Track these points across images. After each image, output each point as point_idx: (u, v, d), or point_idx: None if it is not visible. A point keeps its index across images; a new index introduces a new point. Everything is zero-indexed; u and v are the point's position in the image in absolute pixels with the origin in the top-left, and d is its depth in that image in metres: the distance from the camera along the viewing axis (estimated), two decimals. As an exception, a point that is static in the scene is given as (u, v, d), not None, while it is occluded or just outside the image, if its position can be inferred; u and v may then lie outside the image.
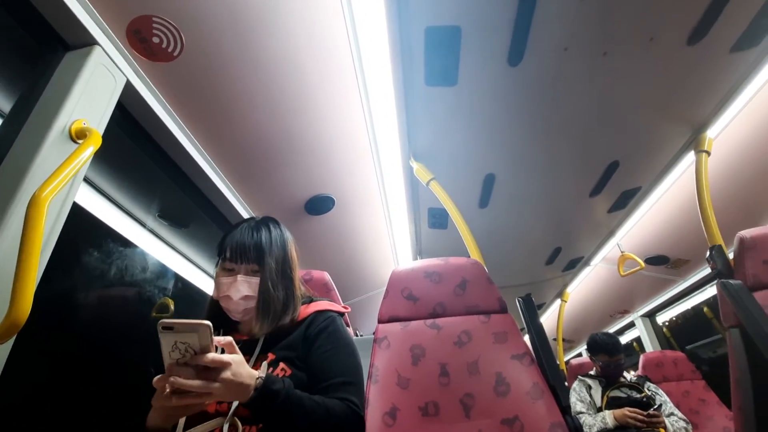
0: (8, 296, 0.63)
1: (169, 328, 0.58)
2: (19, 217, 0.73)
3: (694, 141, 1.79)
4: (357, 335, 2.84)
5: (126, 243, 1.31)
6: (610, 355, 2.12)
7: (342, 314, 0.99)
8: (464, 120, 1.62)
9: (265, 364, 0.80)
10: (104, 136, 0.91)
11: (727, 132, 1.80)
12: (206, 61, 1.16)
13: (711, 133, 1.77)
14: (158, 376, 0.63)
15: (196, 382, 0.61)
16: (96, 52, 0.95)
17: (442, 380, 1.05)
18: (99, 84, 0.95)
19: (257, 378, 0.70)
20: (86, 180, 1.17)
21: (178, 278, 1.60)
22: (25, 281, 0.64)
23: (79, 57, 0.93)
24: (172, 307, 1.40)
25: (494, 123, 1.65)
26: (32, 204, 0.68)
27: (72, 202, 0.87)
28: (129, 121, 1.20)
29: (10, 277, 0.65)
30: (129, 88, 1.07)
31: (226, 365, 0.63)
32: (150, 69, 1.12)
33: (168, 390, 0.62)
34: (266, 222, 0.95)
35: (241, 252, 0.87)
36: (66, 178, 0.75)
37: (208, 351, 0.61)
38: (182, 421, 0.74)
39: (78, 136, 0.86)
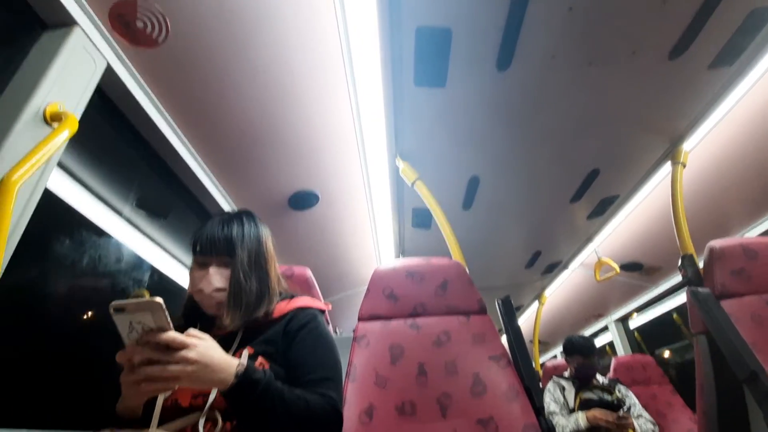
0: (-28, 284, 0.61)
1: (120, 309, 0.58)
2: (-13, 201, 0.70)
3: (671, 153, 1.85)
4: (336, 333, 2.84)
5: (100, 232, 1.26)
6: (584, 357, 2.18)
7: (323, 311, 0.98)
8: (451, 122, 1.64)
9: (245, 352, 0.79)
10: (82, 121, 0.88)
11: (702, 145, 1.87)
12: (192, 50, 1.13)
13: (687, 146, 1.83)
14: (120, 352, 0.61)
15: (155, 369, 0.60)
16: (75, 33, 0.91)
17: (420, 380, 1.06)
18: (77, 66, 0.92)
19: (238, 365, 0.69)
20: (61, 166, 1.13)
21: (154, 270, 1.56)
22: (-9, 268, 0.61)
23: (58, 37, 0.90)
24: (147, 296, 1.37)
25: (481, 126, 1.66)
26: (2, 187, 0.65)
27: (44, 187, 0.84)
28: (108, 106, 1.17)
29: (-26, 264, 0.62)
30: (109, 72, 1.04)
31: (187, 345, 0.62)
32: (132, 54, 1.09)
33: (133, 365, 0.60)
34: (239, 215, 0.93)
35: (212, 244, 0.86)
36: (38, 162, 0.72)
37: (165, 327, 0.60)
38: (156, 418, 0.72)
39: (53, 119, 0.83)
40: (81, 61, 0.93)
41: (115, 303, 0.57)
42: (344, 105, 1.51)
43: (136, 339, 0.60)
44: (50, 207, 1.08)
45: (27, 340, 0.99)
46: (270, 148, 1.58)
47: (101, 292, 1.25)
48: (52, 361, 1.05)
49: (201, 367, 0.63)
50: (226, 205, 1.75)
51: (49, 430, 0.87)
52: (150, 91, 1.20)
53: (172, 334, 0.61)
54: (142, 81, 1.16)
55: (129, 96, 1.14)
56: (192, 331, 0.66)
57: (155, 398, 0.73)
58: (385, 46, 1.31)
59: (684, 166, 1.80)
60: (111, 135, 1.25)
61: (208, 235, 0.87)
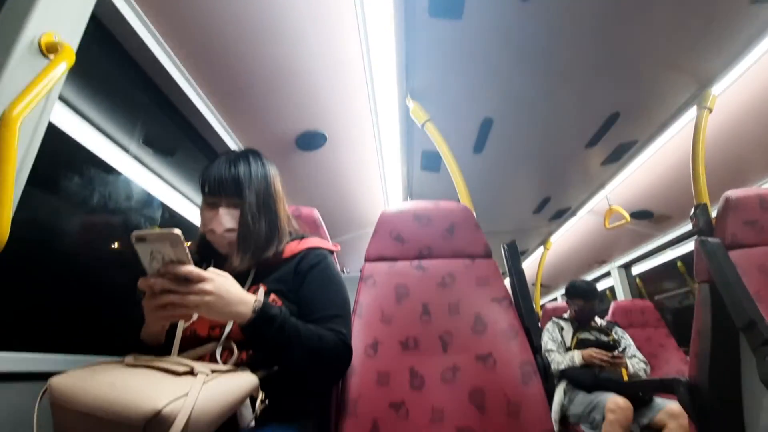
0: (-15, 218, 0.62)
1: (142, 239, 0.61)
2: (-10, 136, 0.69)
3: (698, 97, 1.74)
4: (344, 272, 2.93)
5: (109, 169, 1.26)
6: (585, 300, 2.25)
7: (332, 252, 1.00)
8: (467, 58, 1.54)
9: (261, 289, 0.82)
10: (79, 53, 0.84)
11: (731, 91, 1.75)
12: (188, -28, 1.05)
13: (716, 90, 1.72)
14: (142, 278, 0.65)
15: (174, 297, 0.63)
16: (62, -48, 0.84)
17: (424, 318, 1.10)
18: (68, -10, 0.85)
19: (255, 301, 0.72)
20: (63, 99, 1.10)
21: (165, 208, 1.58)
22: (2, 205, 0.62)
23: (43, -43, 0.83)
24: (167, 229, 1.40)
25: (497, 63, 1.56)
26: (4, 123, 0.64)
27: (47, 121, 0.82)
28: (106, 37, 1.11)
29: (-15, 199, 0.63)
30: (104, 0, 0.97)
31: (204, 278, 0.65)
32: (126, -23, 1.01)
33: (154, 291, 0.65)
34: (246, 155, 0.92)
35: (220, 185, 0.86)
36: (39, 95, 0.70)
37: (184, 260, 0.63)
38: (176, 345, 0.77)
39: (49, 51, 0.79)
40: (71, -16, 0.86)
41: (136, 233, 0.60)
42: (353, 40, 1.42)
43: (157, 268, 0.63)
44: (57, 143, 1.07)
45: (45, 273, 1.03)
46: (276, 86, 1.52)
47: (114, 227, 1.28)
48: (69, 291, 1.11)
49: (217, 299, 0.66)
50: (233, 144, 1.73)
51: (74, 354, 0.94)
52: (149, 22, 1.13)
53: (190, 267, 0.64)
54: (139, 10, 1.09)
55: (128, 28, 1.08)
56: (212, 269, 0.69)
57: (176, 327, 0.78)
58: (397, -30, 1.20)
59: (710, 112, 1.71)
60: (112, 69, 1.21)
61: (216, 176, 0.86)
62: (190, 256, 0.64)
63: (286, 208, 0.96)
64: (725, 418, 1.05)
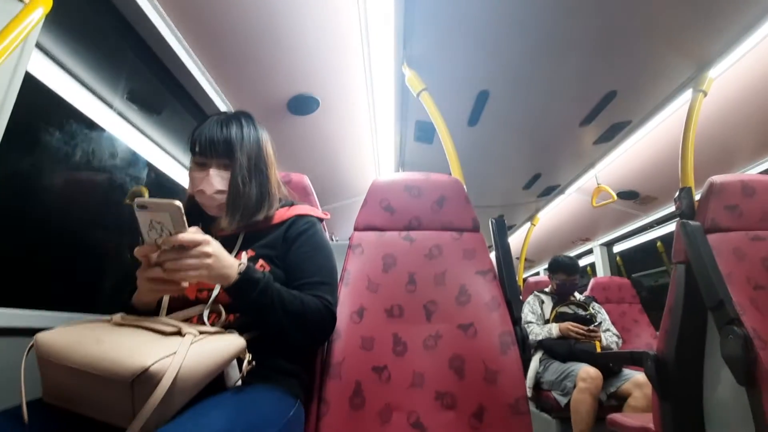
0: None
1: (143, 206, 0.61)
2: (-36, 83, 0.66)
3: (695, 79, 1.73)
4: (333, 240, 2.95)
5: (92, 124, 1.22)
6: (568, 274, 2.33)
7: (322, 220, 1.01)
8: (467, 27, 1.49)
9: (245, 254, 0.83)
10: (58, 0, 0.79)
11: (726, 75, 1.74)
12: None
13: (713, 73, 1.71)
14: (138, 247, 0.65)
15: (176, 264, 0.64)
16: None
17: (409, 287, 1.13)
18: (43, -73, 0.79)
19: (240, 264, 0.73)
20: (41, 48, 1.04)
21: (151, 167, 1.55)
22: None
23: None
24: (146, 195, 1.38)
25: (497, 35, 1.52)
26: (-23, 70, 0.60)
27: (24, 71, 0.78)
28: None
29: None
30: (82, -63, 0.90)
31: (201, 242, 0.66)
32: None
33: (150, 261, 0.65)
34: (237, 116, 0.90)
35: (211, 146, 0.84)
36: (13, 42, 0.66)
37: (182, 230, 0.64)
38: (164, 306, 0.78)
39: (23, -7, 0.74)
40: None
41: (138, 200, 0.60)
42: (351, 2, 1.36)
43: (155, 238, 0.63)
44: (36, 95, 1.02)
45: (28, 230, 1.01)
46: (269, 46, 1.46)
47: (97, 185, 1.25)
48: (53, 249, 1.09)
49: (215, 260, 0.67)
50: (222, 105, 1.67)
51: (61, 312, 0.94)
52: (131, -34, 1.06)
53: (189, 235, 0.64)
54: (120, -49, 1.02)
55: (108, -30, 1.01)
56: (194, 229, 0.68)
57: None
58: (399, -74, 1.13)
59: (705, 95, 1.71)
60: (97, 20, 1.14)
61: (207, 136, 0.84)
62: (187, 226, 0.64)
63: (276, 174, 0.95)
64: (686, 389, 1.12)
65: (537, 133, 2.26)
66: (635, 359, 1.26)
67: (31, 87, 0.91)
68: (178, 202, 0.60)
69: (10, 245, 0.96)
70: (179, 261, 0.64)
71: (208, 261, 0.66)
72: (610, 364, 1.95)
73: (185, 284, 0.69)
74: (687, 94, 1.80)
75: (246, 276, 0.72)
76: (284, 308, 0.75)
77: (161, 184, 1.62)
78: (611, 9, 1.39)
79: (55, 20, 0.99)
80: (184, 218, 0.62)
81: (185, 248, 0.65)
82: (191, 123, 1.64)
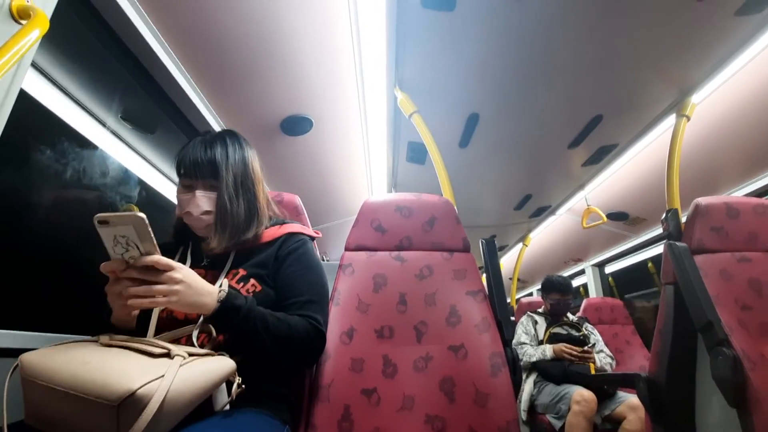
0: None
1: (104, 222, 0.59)
2: (-43, 102, 0.66)
3: (679, 104, 1.79)
4: (324, 260, 2.93)
5: (85, 142, 1.22)
6: (562, 294, 2.33)
7: (313, 239, 1.01)
8: (456, 51, 1.54)
9: (225, 281, 0.82)
10: (56, 21, 0.81)
11: (709, 100, 1.80)
12: (175, -57, 1.01)
13: (695, 98, 1.77)
14: (104, 263, 0.64)
15: (141, 289, 0.63)
16: None
17: (400, 308, 1.12)
18: (44, -46, 0.82)
19: (219, 291, 0.72)
20: (37, 68, 1.05)
21: (143, 185, 1.55)
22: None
23: None
24: (136, 212, 1.37)
25: (487, 58, 1.57)
26: (-29, 89, 0.61)
27: (18, 89, 0.79)
28: (85, 6, 1.06)
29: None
30: (82, -37, 0.93)
31: (174, 267, 0.65)
32: (107, -57, 0.97)
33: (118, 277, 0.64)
34: (222, 136, 0.90)
35: (196, 167, 0.84)
36: (9, 62, 0.67)
37: (148, 243, 0.62)
38: (152, 326, 0.76)
39: (21, 16, 0.75)
40: (48, -53, 0.82)
41: (99, 216, 0.58)
42: (344, 26, 1.40)
43: (121, 253, 0.62)
44: (31, 113, 1.03)
45: (14, 249, 1.00)
46: (263, 67, 1.49)
47: (89, 204, 1.24)
48: (40, 268, 1.08)
49: (186, 287, 0.66)
50: (216, 125, 1.69)
51: (46, 333, 0.92)
52: (130, -9, 1.09)
53: (157, 257, 0.63)
54: (120, -23, 1.05)
55: (107, -5, 1.04)
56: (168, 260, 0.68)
57: (150, 311, 0.77)
58: (391, -43, 1.18)
59: (688, 120, 1.76)
60: (92, 40, 1.16)
61: (192, 158, 0.84)
62: (155, 240, 0.62)
63: (265, 191, 0.95)
64: (678, 412, 1.11)
65: (527, 154, 2.30)
66: (627, 381, 1.26)
67: (25, 104, 0.92)
68: (141, 214, 0.59)
69: (-5, 264, 0.94)
70: (147, 287, 0.63)
71: (177, 287, 0.65)
72: (605, 387, 1.93)
73: (135, 312, 0.69)
74: (671, 119, 1.86)
75: (226, 304, 0.71)
76: (269, 333, 0.75)
77: (153, 203, 1.61)
78: (597, 36, 1.45)
79: (52, 39, 1.00)
80: (149, 229, 0.61)
81: (155, 269, 0.64)
82: (184, 141, 1.65)
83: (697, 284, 1.12)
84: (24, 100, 0.83)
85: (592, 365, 2.08)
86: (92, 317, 0.79)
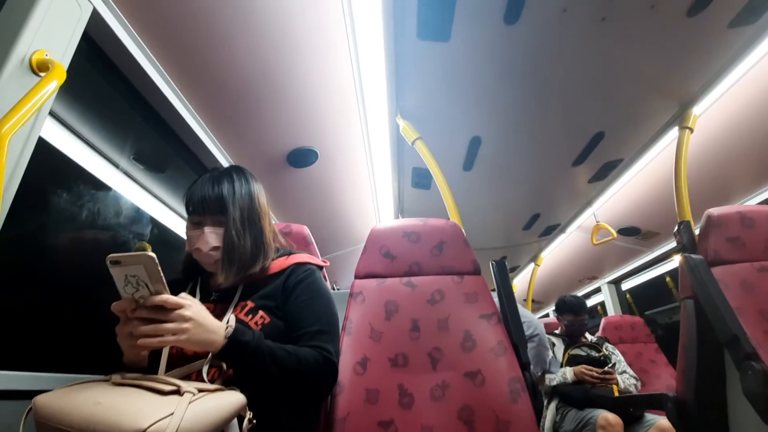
0: (-29, 235, 0.61)
1: (116, 262, 0.60)
2: (-21, 152, 0.69)
3: (680, 117, 1.80)
4: (334, 289, 2.91)
5: (99, 184, 1.26)
6: (575, 315, 2.27)
7: (321, 267, 1.01)
8: (455, 79, 1.58)
9: (232, 316, 0.82)
10: (71, 71, 0.85)
11: (711, 111, 1.81)
12: (183, -6, 1.07)
13: (696, 110, 1.78)
14: (115, 302, 0.64)
15: (150, 328, 0.64)
16: (58, -26, 0.86)
17: (413, 335, 1.10)
18: (61, 11, 0.87)
19: (227, 327, 0.72)
20: (54, 115, 1.10)
21: (155, 223, 1.58)
22: (-12, 220, 0.62)
23: (39, -22, 0.85)
24: (149, 250, 1.39)
25: (485, 84, 1.61)
26: (-8, 140, 0.64)
27: (36, 138, 0.83)
28: (98, 55, 1.12)
29: (-29, 215, 0.63)
30: (96, 18, 0.99)
31: (183, 305, 0.66)
32: (120, -2, 1.03)
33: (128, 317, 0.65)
34: (229, 172, 0.92)
35: (204, 204, 0.86)
36: (28, 113, 0.70)
37: (158, 282, 0.63)
38: (163, 363, 0.76)
39: (40, 69, 0.80)
40: (65, 5, 0.88)
41: (111, 256, 0.60)
42: (344, 59, 1.45)
43: (132, 293, 0.62)
44: (48, 159, 1.07)
45: (31, 290, 1.02)
46: (268, 103, 1.54)
47: (103, 244, 1.27)
48: (56, 309, 1.09)
49: (195, 325, 0.66)
50: (224, 161, 1.73)
51: (60, 373, 0.92)
52: (140, 40, 1.15)
53: (166, 296, 0.64)
54: (131, 28, 1.11)
55: (119, 45, 1.09)
56: (183, 295, 0.69)
57: (160, 349, 0.77)
58: (387, -6, 1.24)
59: (692, 131, 1.76)
60: (104, 86, 1.22)
61: (200, 195, 0.86)
62: (164, 279, 0.63)
63: (271, 224, 0.96)
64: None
65: (531, 174, 2.31)
66: (654, 402, 1.20)
67: (42, 151, 0.95)
68: (151, 254, 0.60)
69: (14, 305, 0.95)
70: (156, 326, 0.64)
71: (187, 325, 0.65)
72: (630, 409, 1.84)
73: (145, 352, 0.70)
74: (674, 131, 1.86)
75: (233, 340, 0.71)
76: (279, 367, 0.74)
77: (165, 240, 1.64)
78: (591, 56, 1.48)
79: (68, 88, 1.05)
80: (159, 268, 0.62)
81: (164, 308, 0.64)
82: (193, 178, 1.69)
83: (718, 297, 1.09)
84: (41, 147, 0.86)
85: (615, 387, 2.00)
86: (105, 356, 0.79)
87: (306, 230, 1.31)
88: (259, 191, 0.95)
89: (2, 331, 0.91)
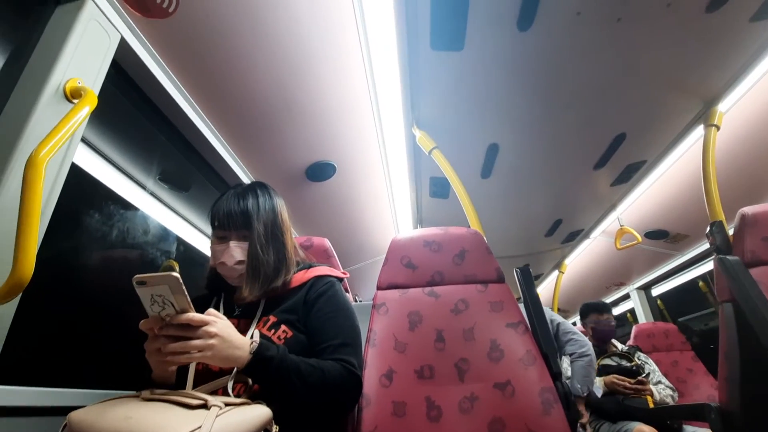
0: (10, 257, 0.64)
1: (142, 282, 0.62)
2: (17, 178, 0.73)
3: (705, 115, 1.75)
4: (356, 301, 2.91)
5: (127, 205, 1.31)
6: (599, 313, 2.21)
7: (341, 279, 1.01)
8: (470, 87, 1.58)
9: (257, 332, 0.82)
10: (100, 96, 0.89)
11: (738, 106, 1.75)
12: (202, 18, 1.11)
13: (722, 107, 1.72)
14: (143, 321, 0.66)
15: (177, 345, 0.65)
16: (88, 7, 0.91)
17: (438, 345, 1.08)
18: (92, 41, 0.92)
19: (251, 343, 0.72)
20: (85, 141, 1.16)
21: (180, 241, 1.62)
22: (27, 242, 0.65)
23: (71, 11, 0.89)
24: (177, 268, 1.42)
25: (500, 91, 1.60)
26: (30, 165, 0.67)
27: (70, 162, 0.86)
28: (125, 81, 1.17)
29: (11, 238, 0.65)
30: (124, 46, 1.04)
31: (208, 322, 0.67)
32: (145, 26, 1.08)
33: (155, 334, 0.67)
34: (253, 187, 0.94)
35: (229, 219, 0.88)
36: (63, 138, 0.74)
37: (183, 301, 0.64)
38: (191, 379, 0.77)
39: (73, 96, 0.84)
40: (95, 35, 0.93)
41: (136, 277, 0.61)
42: (359, 73, 1.48)
43: (158, 311, 0.64)
44: (79, 182, 1.12)
45: (66, 310, 1.05)
46: (285, 119, 1.57)
47: (133, 262, 1.30)
48: (90, 326, 1.12)
49: (220, 341, 0.67)
50: (245, 177, 1.77)
51: (93, 390, 0.94)
52: (164, 64, 1.20)
53: (191, 314, 0.66)
54: (156, 54, 1.16)
55: (144, 69, 1.14)
56: (211, 311, 0.70)
57: (187, 365, 0.78)
58: (400, 8, 1.26)
59: (718, 129, 1.71)
60: (130, 110, 1.27)
61: (225, 210, 0.88)
62: (189, 298, 0.65)
63: (293, 238, 0.97)
64: (762, 445, 0.99)
65: (552, 179, 2.27)
66: (696, 413, 1.14)
67: (74, 175, 1.00)
68: (175, 274, 0.62)
69: (51, 325, 0.99)
70: (183, 343, 0.65)
71: (212, 341, 0.66)
72: (668, 421, 1.75)
73: (172, 368, 0.71)
74: (699, 130, 1.81)
75: (258, 356, 0.72)
76: (303, 381, 0.74)
77: (190, 257, 1.67)
78: (608, 57, 1.46)
79: (98, 114, 1.10)
80: (184, 287, 0.63)
81: (191, 326, 0.66)
82: (215, 196, 1.73)
83: (759, 299, 1.04)
84: (73, 170, 0.90)
85: (649, 398, 1.91)
86: (136, 373, 0.80)
87: (327, 243, 1.32)
88: (282, 206, 0.97)
89: (40, 350, 0.94)
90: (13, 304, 0.74)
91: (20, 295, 0.69)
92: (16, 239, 0.64)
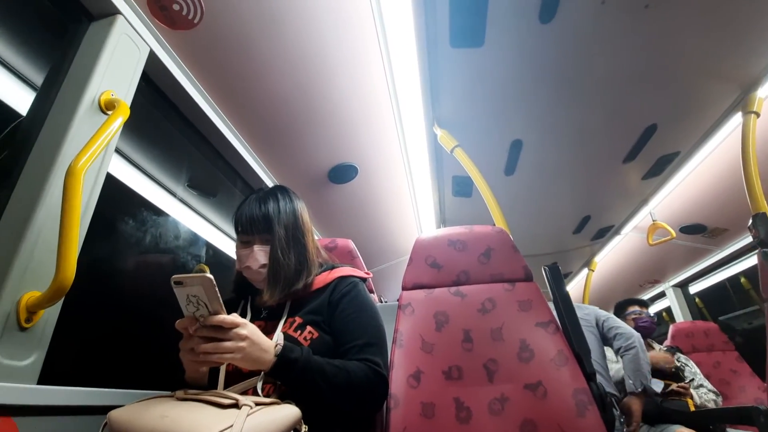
0: (53, 261, 0.67)
1: (179, 282, 0.64)
2: (58, 187, 0.76)
3: (743, 101, 1.66)
4: (381, 302, 2.92)
5: (159, 212, 1.36)
6: (640, 305, 2.17)
7: (365, 280, 1.01)
8: (491, 84, 1.56)
9: (281, 335, 0.83)
10: (131, 107, 0.93)
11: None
12: (226, 28, 1.15)
13: (762, 92, 1.63)
14: (179, 320, 0.69)
15: (210, 346, 0.68)
16: (119, 22, 0.95)
17: (466, 345, 1.07)
18: (124, 54, 0.96)
19: (276, 346, 0.74)
20: (117, 151, 1.21)
21: (209, 246, 1.66)
22: (68, 248, 0.68)
23: (103, 27, 0.94)
24: (207, 271, 1.46)
25: (523, 86, 1.57)
26: (69, 174, 0.71)
27: (106, 172, 0.90)
28: (154, 91, 1.22)
29: (53, 243, 0.69)
30: (152, 58, 1.08)
31: (239, 324, 0.69)
32: (172, 38, 1.12)
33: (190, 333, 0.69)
34: (274, 192, 0.96)
35: (252, 224, 0.90)
36: (99, 148, 0.77)
37: (216, 302, 0.66)
38: (222, 379, 0.80)
39: (107, 108, 0.88)
40: (126, 48, 0.97)
41: (175, 276, 0.64)
42: (379, 74, 1.48)
43: (193, 311, 0.67)
44: (114, 190, 1.16)
45: (106, 313, 1.10)
46: (307, 123, 1.59)
47: (165, 266, 1.35)
48: (127, 329, 1.16)
49: (250, 344, 0.69)
50: (269, 181, 1.80)
51: (132, 389, 0.97)
52: (191, 74, 1.24)
53: (223, 316, 0.68)
54: (183, 64, 1.20)
55: (172, 80, 1.18)
56: (234, 315, 0.72)
57: (218, 366, 0.80)
58: (418, 7, 1.25)
59: (758, 116, 1.61)
60: (158, 119, 1.32)
61: (248, 215, 0.90)
62: (221, 298, 0.67)
63: (314, 240, 0.98)
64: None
65: (578, 174, 2.20)
66: (743, 416, 1.08)
67: (109, 183, 1.04)
68: (209, 275, 0.64)
69: (91, 327, 1.03)
70: (216, 344, 0.67)
71: (243, 344, 0.68)
72: (710, 426, 1.66)
73: (204, 369, 0.74)
74: (737, 118, 1.72)
75: (282, 359, 0.73)
76: (328, 382, 0.74)
77: (218, 261, 1.72)
78: (635, 45, 1.41)
79: (130, 125, 1.15)
80: (216, 289, 0.66)
81: (223, 328, 0.68)
82: (240, 200, 1.78)
83: (810, 295, 0.97)
84: (108, 180, 0.94)
85: (689, 401, 1.82)
86: (171, 373, 0.83)
87: (351, 244, 1.33)
88: (303, 209, 0.98)
89: (83, 351, 0.98)
90: (56, 308, 0.78)
91: (63, 299, 0.73)
92: (58, 246, 0.68)
